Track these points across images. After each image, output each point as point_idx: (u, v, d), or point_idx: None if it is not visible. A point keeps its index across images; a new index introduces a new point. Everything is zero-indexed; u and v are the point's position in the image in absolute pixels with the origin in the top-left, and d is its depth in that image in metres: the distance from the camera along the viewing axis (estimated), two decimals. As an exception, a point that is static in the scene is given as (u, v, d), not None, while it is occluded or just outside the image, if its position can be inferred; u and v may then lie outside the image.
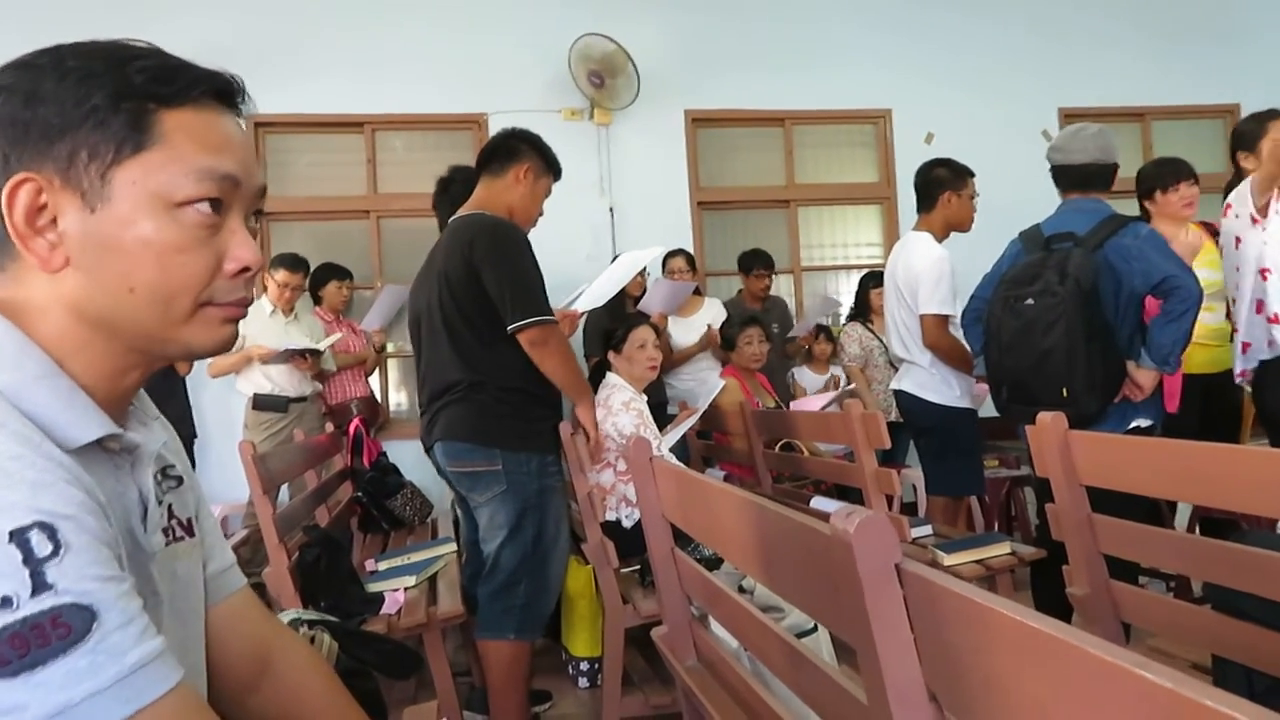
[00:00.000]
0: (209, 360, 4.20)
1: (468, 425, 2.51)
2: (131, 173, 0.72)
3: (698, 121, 5.49)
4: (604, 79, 5.11)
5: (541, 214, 2.73)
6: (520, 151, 2.64)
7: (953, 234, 3.37)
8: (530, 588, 2.50)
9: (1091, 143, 2.74)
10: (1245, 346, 2.99)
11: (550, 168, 2.70)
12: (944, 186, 3.31)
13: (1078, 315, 2.49)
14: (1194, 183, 3.37)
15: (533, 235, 2.62)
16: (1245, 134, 3.12)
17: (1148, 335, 2.57)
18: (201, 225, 0.74)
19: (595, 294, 3.03)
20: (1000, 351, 2.72)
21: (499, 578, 2.50)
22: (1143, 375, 2.57)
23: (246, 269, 0.77)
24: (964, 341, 3.15)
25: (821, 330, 4.89)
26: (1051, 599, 2.51)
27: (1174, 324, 2.50)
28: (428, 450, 2.73)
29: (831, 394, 4.35)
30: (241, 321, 0.82)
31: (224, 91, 0.78)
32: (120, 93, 0.71)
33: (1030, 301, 2.59)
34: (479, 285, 2.45)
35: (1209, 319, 3.29)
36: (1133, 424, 2.61)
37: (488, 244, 2.46)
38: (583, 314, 3.02)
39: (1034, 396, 2.59)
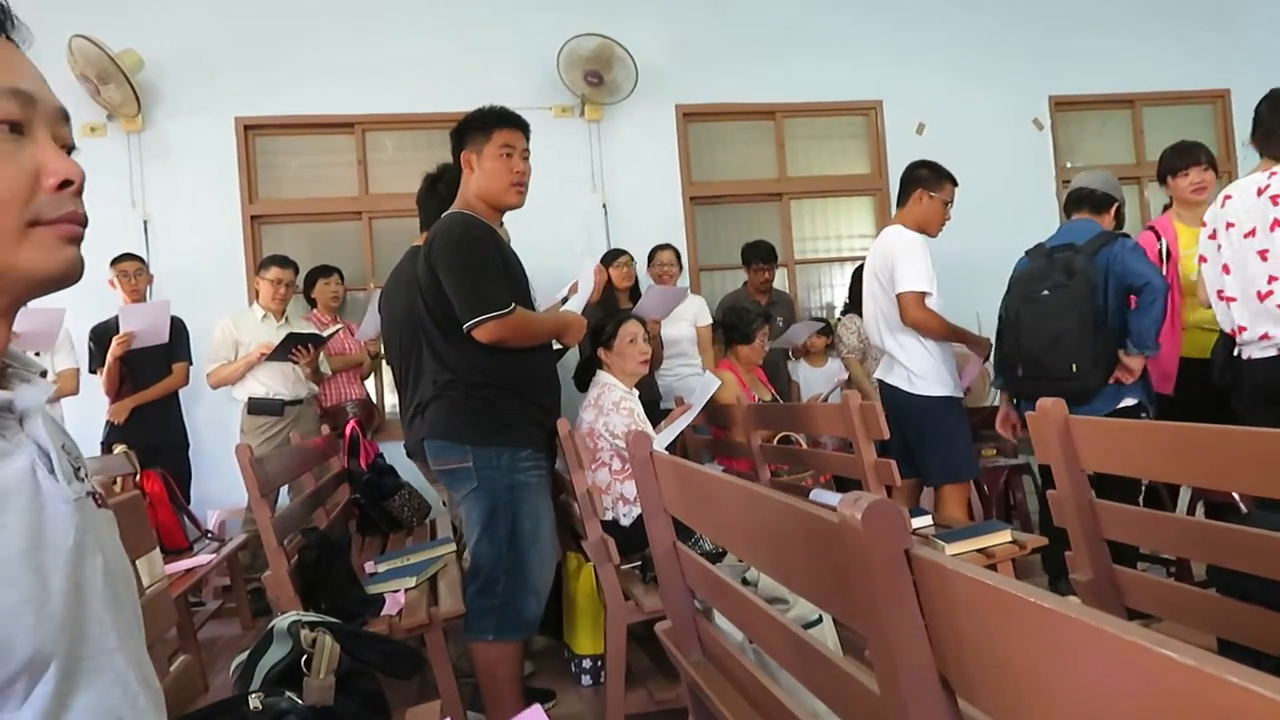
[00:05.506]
0: (208, 371, 4.19)
1: (442, 422, 2.52)
2: None
3: (689, 116, 5.48)
4: (602, 76, 5.10)
5: (520, 173, 2.54)
6: (459, 143, 2.58)
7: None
8: (508, 587, 2.46)
9: (1103, 177, 3.34)
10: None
11: (485, 125, 2.53)
12: (919, 184, 3.46)
13: (1087, 304, 2.99)
14: (1206, 168, 3.44)
15: (526, 233, 2.59)
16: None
17: (1129, 326, 3.02)
18: (1, 143, 0.73)
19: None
20: (1018, 335, 3.18)
21: (479, 577, 2.48)
22: (1132, 360, 3.02)
23: (68, 182, 0.76)
24: (941, 315, 3.32)
25: (819, 325, 4.87)
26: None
27: (1145, 313, 2.97)
28: (410, 454, 2.77)
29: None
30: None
31: None
32: None
33: (1046, 292, 3.10)
34: (440, 286, 2.46)
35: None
36: (1122, 403, 3.08)
37: (439, 245, 2.47)
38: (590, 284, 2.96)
39: (1047, 372, 3.09)
